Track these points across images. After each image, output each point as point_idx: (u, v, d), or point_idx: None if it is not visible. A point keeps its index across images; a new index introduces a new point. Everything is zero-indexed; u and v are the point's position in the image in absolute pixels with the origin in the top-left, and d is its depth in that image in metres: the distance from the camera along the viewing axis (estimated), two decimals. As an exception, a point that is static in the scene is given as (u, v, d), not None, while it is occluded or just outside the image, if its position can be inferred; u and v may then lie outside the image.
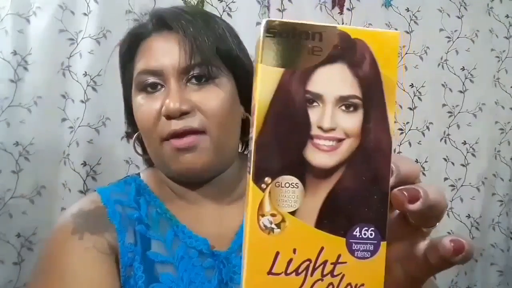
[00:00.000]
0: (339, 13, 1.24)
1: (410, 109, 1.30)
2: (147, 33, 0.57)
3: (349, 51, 0.28)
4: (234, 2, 1.16)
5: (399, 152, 1.29)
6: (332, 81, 0.28)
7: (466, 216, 1.34)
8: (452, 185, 1.34)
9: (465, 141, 1.35)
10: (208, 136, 0.54)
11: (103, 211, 0.56)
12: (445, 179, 1.34)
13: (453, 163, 1.34)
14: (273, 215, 0.27)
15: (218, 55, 0.55)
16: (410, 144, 1.30)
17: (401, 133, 1.29)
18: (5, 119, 1.02)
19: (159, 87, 0.54)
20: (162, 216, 0.58)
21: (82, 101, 1.07)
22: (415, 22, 1.31)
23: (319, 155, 0.28)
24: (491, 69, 1.37)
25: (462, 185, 1.35)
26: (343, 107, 0.28)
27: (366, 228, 0.28)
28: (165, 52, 0.54)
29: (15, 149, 1.03)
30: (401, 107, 1.29)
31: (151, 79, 0.54)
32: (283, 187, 0.27)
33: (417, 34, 1.31)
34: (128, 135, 0.65)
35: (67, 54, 1.07)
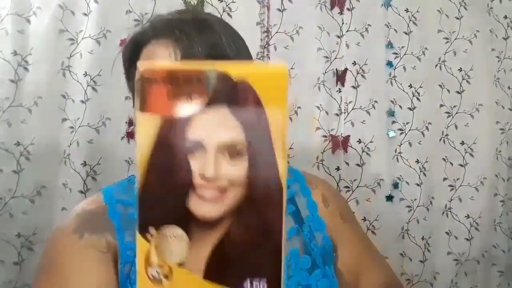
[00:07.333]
0: (339, 13, 1.24)
1: (410, 109, 1.31)
2: (146, 39, 0.58)
3: (230, 93, 0.26)
4: (234, 2, 1.16)
5: (399, 153, 1.29)
6: (213, 126, 0.26)
7: (465, 216, 1.34)
8: (450, 185, 1.34)
9: (463, 141, 1.35)
10: None
11: (104, 211, 0.59)
12: (444, 179, 1.34)
13: (451, 163, 1.34)
14: (161, 265, 0.26)
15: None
16: (410, 144, 1.30)
17: (401, 133, 1.30)
18: (6, 119, 1.02)
19: None
20: None
21: (82, 101, 1.07)
22: (414, 22, 1.31)
23: (203, 205, 0.27)
24: (491, 69, 1.38)
25: (460, 185, 1.35)
26: (227, 154, 0.26)
27: (257, 282, 0.26)
28: (161, 59, 0.55)
29: (16, 149, 1.03)
30: (401, 107, 1.30)
31: None
32: (168, 237, 0.26)
33: (416, 35, 1.31)
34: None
35: (67, 54, 1.07)
